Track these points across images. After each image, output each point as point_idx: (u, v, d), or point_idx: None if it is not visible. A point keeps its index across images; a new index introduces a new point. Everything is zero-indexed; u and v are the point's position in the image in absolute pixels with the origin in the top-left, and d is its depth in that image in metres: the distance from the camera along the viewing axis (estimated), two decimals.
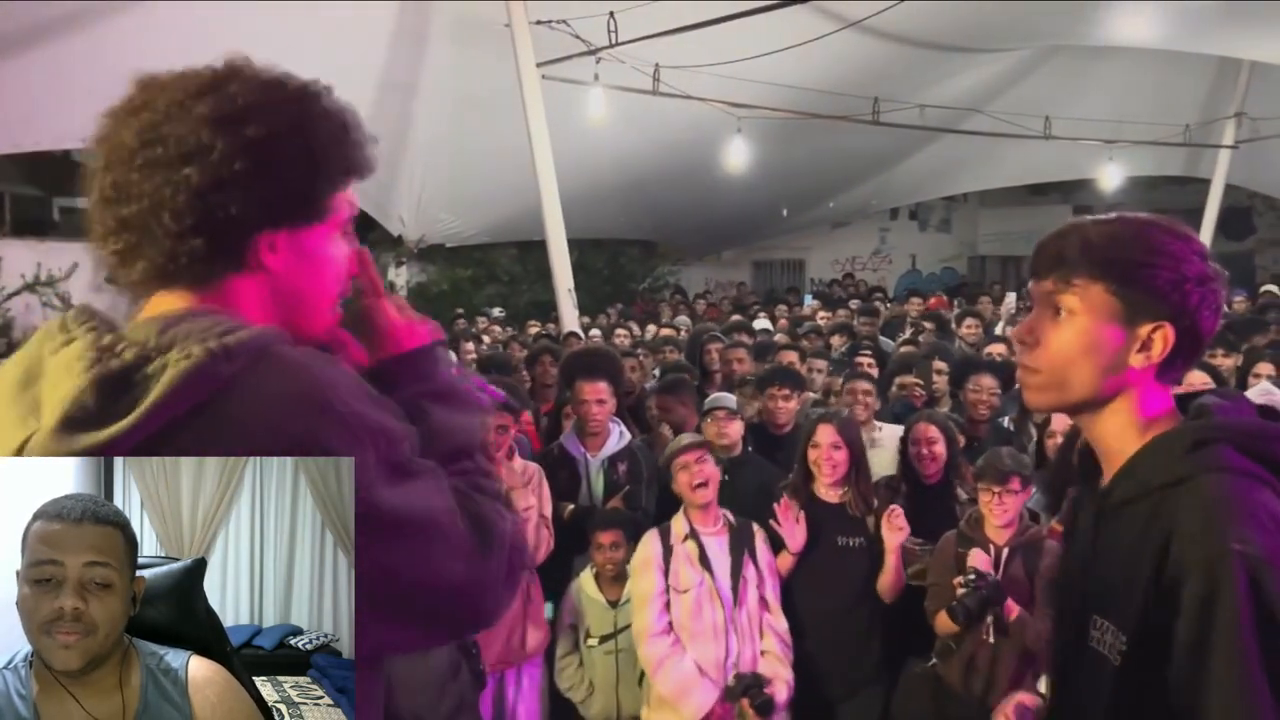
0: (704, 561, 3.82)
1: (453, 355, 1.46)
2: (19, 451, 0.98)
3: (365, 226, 14.44)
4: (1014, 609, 3.55)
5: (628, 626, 3.95)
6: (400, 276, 15.47)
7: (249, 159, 1.09)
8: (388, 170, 12.54)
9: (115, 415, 0.96)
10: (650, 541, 3.90)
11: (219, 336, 1.00)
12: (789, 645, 3.87)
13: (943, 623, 3.67)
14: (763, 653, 3.83)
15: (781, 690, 3.75)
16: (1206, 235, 14.81)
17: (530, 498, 3.98)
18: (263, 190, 1.11)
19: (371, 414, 1.05)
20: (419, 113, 11.46)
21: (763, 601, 3.89)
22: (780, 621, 3.88)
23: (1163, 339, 1.43)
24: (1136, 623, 1.38)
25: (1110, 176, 14.97)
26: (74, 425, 0.96)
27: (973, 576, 3.51)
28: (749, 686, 3.64)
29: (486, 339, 10.15)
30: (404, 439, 1.09)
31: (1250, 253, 20.83)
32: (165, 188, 1.07)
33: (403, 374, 1.30)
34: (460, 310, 13.44)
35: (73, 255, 10.43)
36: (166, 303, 1.13)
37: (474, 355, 8.03)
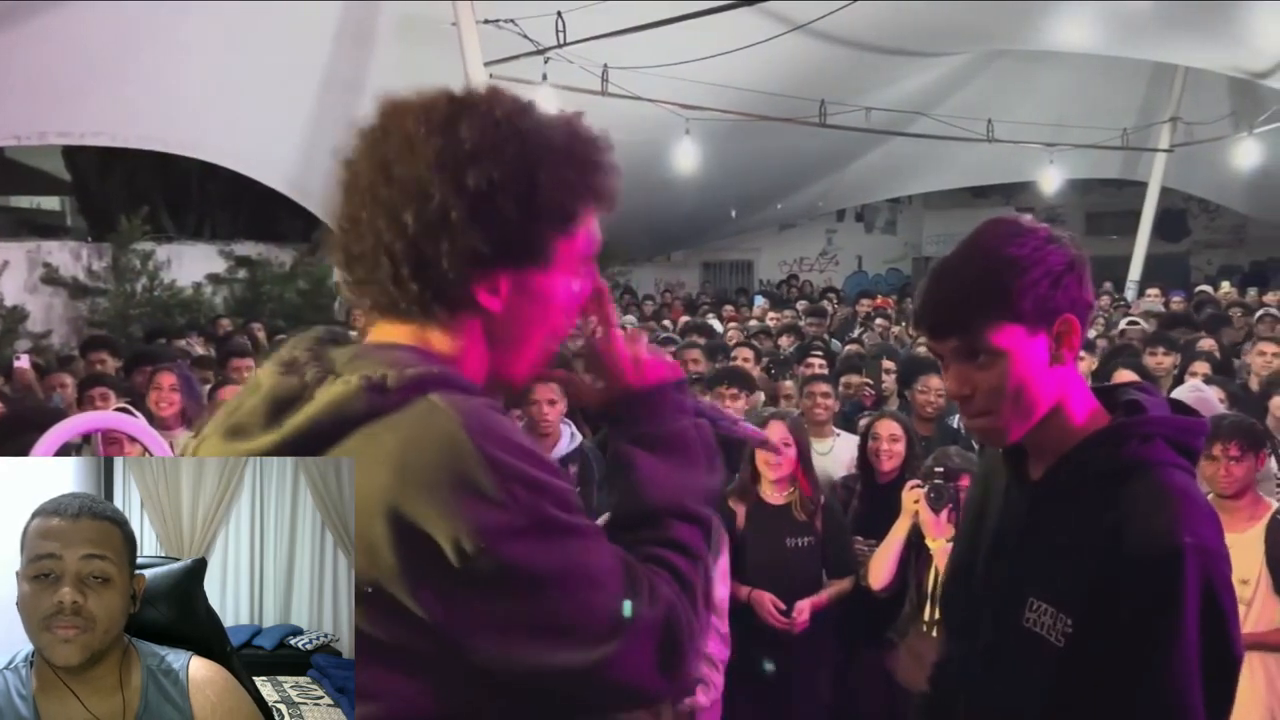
0: None
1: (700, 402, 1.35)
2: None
3: (310, 227, 14.24)
4: None
5: None
6: None
7: (465, 207, 1.06)
8: (333, 171, 12.38)
9: (270, 428, 0.97)
10: None
11: (383, 369, 0.99)
12: (726, 644, 3.82)
13: (876, 567, 3.84)
14: None
15: (701, 696, 3.72)
16: (1143, 237, 15.17)
17: None
18: (478, 238, 1.07)
19: (517, 464, 0.99)
20: (365, 112, 11.32)
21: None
22: (718, 624, 3.79)
23: (1070, 329, 1.51)
24: (1084, 607, 1.44)
25: (1051, 179, 15.23)
26: (232, 435, 0.99)
27: (940, 469, 3.72)
28: None
29: None
30: (556, 495, 1.02)
31: (1185, 254, 21.39)
32: (386, 231, 1.06)
33: (627, 413, 1.25)
34: None
35: (4, 254, 10.15)
36: (386, 332, 1.12)
37: None
